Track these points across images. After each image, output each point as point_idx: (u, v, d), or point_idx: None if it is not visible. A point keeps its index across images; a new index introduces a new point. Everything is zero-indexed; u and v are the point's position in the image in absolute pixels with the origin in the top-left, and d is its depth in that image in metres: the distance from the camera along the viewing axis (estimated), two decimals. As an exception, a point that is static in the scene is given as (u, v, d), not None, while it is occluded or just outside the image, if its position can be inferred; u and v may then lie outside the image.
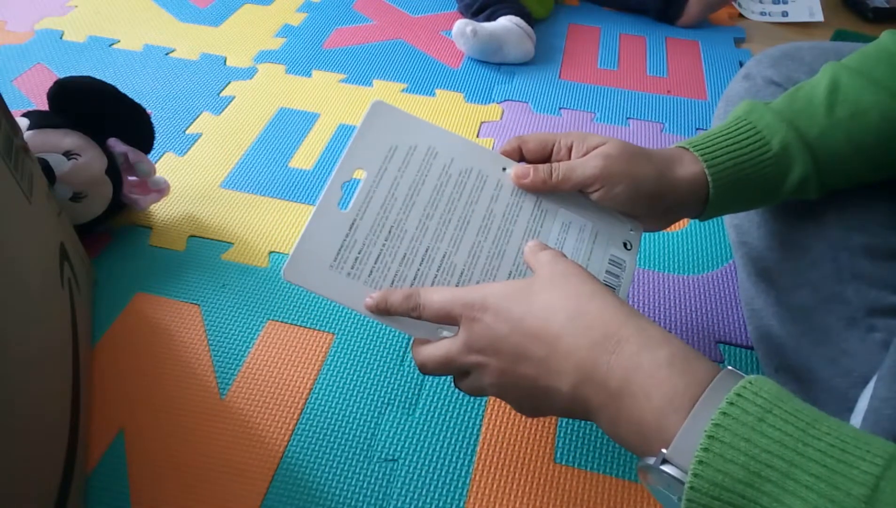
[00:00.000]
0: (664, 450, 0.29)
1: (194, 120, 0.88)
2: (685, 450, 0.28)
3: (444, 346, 0.40)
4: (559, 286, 0.37)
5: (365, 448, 0.53)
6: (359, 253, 0.43)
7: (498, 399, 0.56)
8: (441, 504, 0.50)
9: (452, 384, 0.57)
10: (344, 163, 0.44)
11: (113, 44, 1.03)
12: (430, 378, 0.58)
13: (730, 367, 0.31)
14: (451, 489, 0.51)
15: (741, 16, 1.21)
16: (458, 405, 0.56)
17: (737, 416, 0.28)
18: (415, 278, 0.44)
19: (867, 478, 0.25)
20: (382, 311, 0.42)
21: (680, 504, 0.28)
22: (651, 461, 0.30)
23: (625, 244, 0.47)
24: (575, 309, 0.35)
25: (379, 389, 0.57)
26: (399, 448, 0.53)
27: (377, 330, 0.62)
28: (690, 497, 0.28)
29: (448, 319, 0.39)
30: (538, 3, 1.11)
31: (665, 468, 0.29)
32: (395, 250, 0.44)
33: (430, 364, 0.40)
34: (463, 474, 0.52)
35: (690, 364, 0.31)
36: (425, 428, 0.55)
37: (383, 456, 0.53)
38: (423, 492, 0.51)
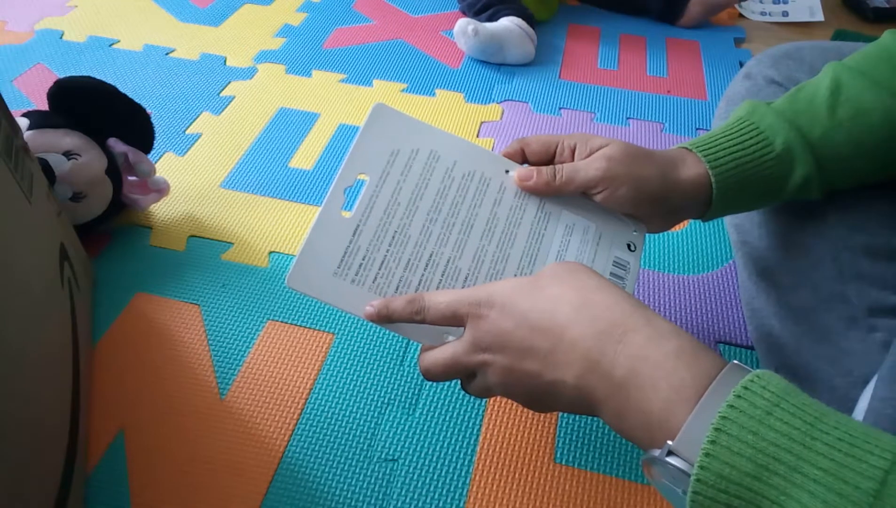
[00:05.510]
0: (670, 442, 0.29)
1: (194, 120, 0.88)
2: (691, 442, 0.28)
3: (449, 348, 0.40)
4: (565, 281, 0.37)
5: (365, 447, 0.53)
6: (363, 260, 0.43)
7: (499, 399, 0.56)
8: (441, 504, 0.50)
9: (458, 387, 0.57)
10: (346, 168, 0.44)
11: (113, 44, 1.03)
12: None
13: (735, 361, 0.31)
14: (451, 489, 0.51)
15: (741, 16, 1.21)
16: (458, 405, 0.56)
17: (744, 409, 0.28)
18: (419, 284, 0.43)
19: (875, 472, 0.25)
20: (384, 318, 0.41)
21: (685, 498, 0.28)
22: (656, 453, 0.30)
23: (629, 246, 0.47)
24: (581, 300, 0.35)
25: (379, 389, 0.57)
26: (399, 448, 0.53)
27: (377, 331, 0.62)
28: (696, 489, 0.28)
29: (455, 319, 0.39)
30: (541, 6, 1.11)
31: (671, 460, 0.29)
32: (399, 255, 0.44)
33: (436, 369, 0.40)
34: (463, 474, 0.52)
35: (698, 357, 0.31)
36: (425, 428, 0.55)
37: (383, 456, 0.53)
38: (423, 492, 0.51)
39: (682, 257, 0.71)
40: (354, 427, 0.55)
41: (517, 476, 0.52)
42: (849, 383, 0.44)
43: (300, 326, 0.62)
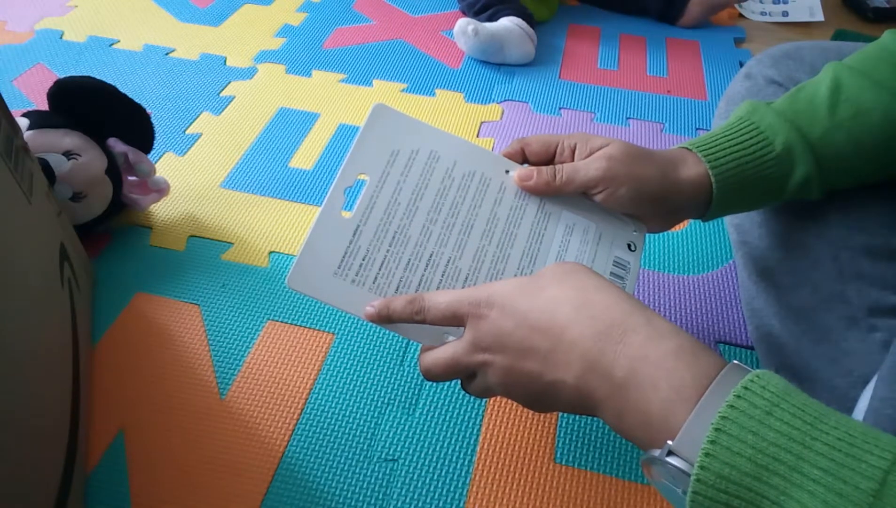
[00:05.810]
0: (670, 442, 0.29)
1: (194, 120, 0.88)
2: (691, 442, 0.28)
3: (449, 349, 0.40)
4: (564, 281, 0.37)
5: (365, 448, 0.53)
6: (363, 260, 0.43)
7: (499, 399, 0.56)
8: (441, 504, 0.50)
9: (458, 387, 0.57)
10: (346, 168, 0.44)
11: (113, 44, 1.03)
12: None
13: (735, 361, 0.31)
14: (451, 489, 0.51)
15: (741, 16, 1.21)
16: (458, 405, 0.56)
17: (744, 409, 0.28)
18: (419, 284, 0.43)
19: (875, 472, 0.25)
20: (385, 318, 0.41)
21: (685, 498, 0.28)
22: (656, 453, 0.30)
23: (629, 246, 0.47)
24: (580, 301, 0.35)
25: (379, 389, 0.57)
26: (399, 448, 0.53)
27: (377, 331, 0.62)
28: (696, 489, 0.28)
29: (455, 319, 0.39)
30: (541, 6, 1.11)
31: (671, 459, 0.29)
32: (400, 255, 0.44)
33: (436, 369, 0.40)
34: (463, 474, 0.52)
35: (697, 357, 0.31)
36: (425, 428, 0.55)
37: (383, 456, 0.53)
38: (423, 492, 0.51)
39: (682, 257, 0.71)
40: (354, 427, 0.55)
41: (517, 476, 0.52)
42: (849, 383, 0.44)
43: (300, 326, 0.62)
